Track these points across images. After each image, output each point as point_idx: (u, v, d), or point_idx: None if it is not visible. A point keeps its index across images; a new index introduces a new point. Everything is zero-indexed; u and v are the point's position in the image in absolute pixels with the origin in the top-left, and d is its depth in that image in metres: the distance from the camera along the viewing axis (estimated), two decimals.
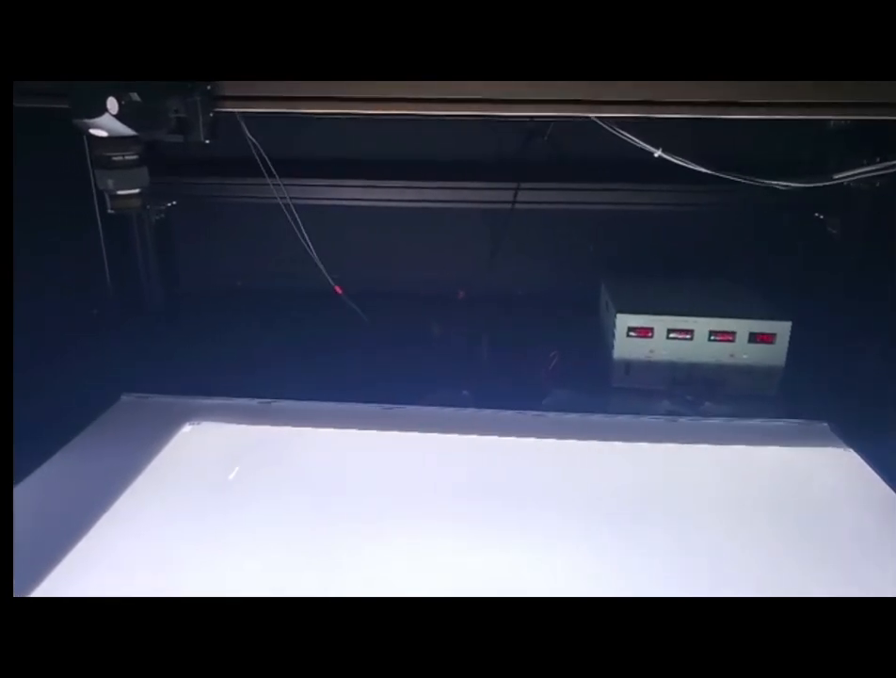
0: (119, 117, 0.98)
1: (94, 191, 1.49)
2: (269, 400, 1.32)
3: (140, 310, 1.71)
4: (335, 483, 1.10)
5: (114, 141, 1.07)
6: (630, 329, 1.36)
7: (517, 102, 1.06)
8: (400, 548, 0.96)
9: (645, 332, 1.36)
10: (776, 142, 1.42)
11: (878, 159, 1.24)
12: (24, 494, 1.03)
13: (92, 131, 1.03)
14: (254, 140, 1.36)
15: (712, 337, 1.34)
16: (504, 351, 1.52)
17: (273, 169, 1.42)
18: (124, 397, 1.33)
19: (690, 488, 1.10)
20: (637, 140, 1.20)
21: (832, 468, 1.16)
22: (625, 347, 1.37)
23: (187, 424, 1.23)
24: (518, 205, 1.61)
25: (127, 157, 1.10)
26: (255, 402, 1.31)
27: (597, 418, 1.30)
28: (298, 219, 1.49)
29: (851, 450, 1.18)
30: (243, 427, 1.24)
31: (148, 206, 1.22)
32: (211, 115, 1.08)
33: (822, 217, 1.54)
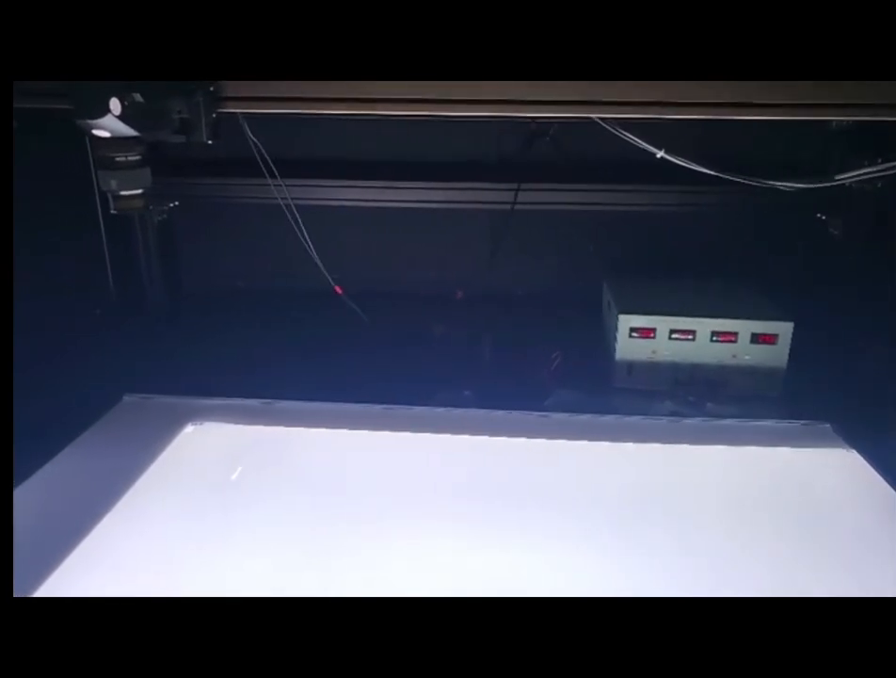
0: (121, 117, 0.98)
1: (97, 192, 1.49)
2: (271, 400, 1.32)
3: (143, 310, 1.71)
4: (337, 483, 1.10)
5: (117, 142, 1.07)
6: (632, 329, 1.36)
7: (518, 102, 1.06)
8: (402, 548, 0.96)
9: (647, 333, 1.36)
10: (777, 143, 1.42)
11: (879, 160, 1.24)
12: (26, 495, 1.03)
13: (95, 131, 1.03)
14: (256, 141, 1.36)
15: (715, 338, 1.34)
16: (506, 352, 1.52)
17: (274, 170, 1.42)
18: (127, 398, 1.33)
19: (692, 488, 1.10)
20: (640, 141, 1.19)
21: (834, 469, 1.16)
22: (627, 347, 1.37)
23: (190, 424, 1.23)
24: (520, 206, 1.61)
25: (130, 158, 1.10)
26: (257, 402, 1.31)
27: (599, 419, 1.30)
28: (299, 220, 1.49)
29: (853, 451, 1.18)
30: (245, 427, 1.24)
31: (150, 207, 1.22)
32: (214, 116, 1.08)
33: (823, 217, 1.54)
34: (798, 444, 1.21)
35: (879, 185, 1.32)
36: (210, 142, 1.10)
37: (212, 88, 1.06)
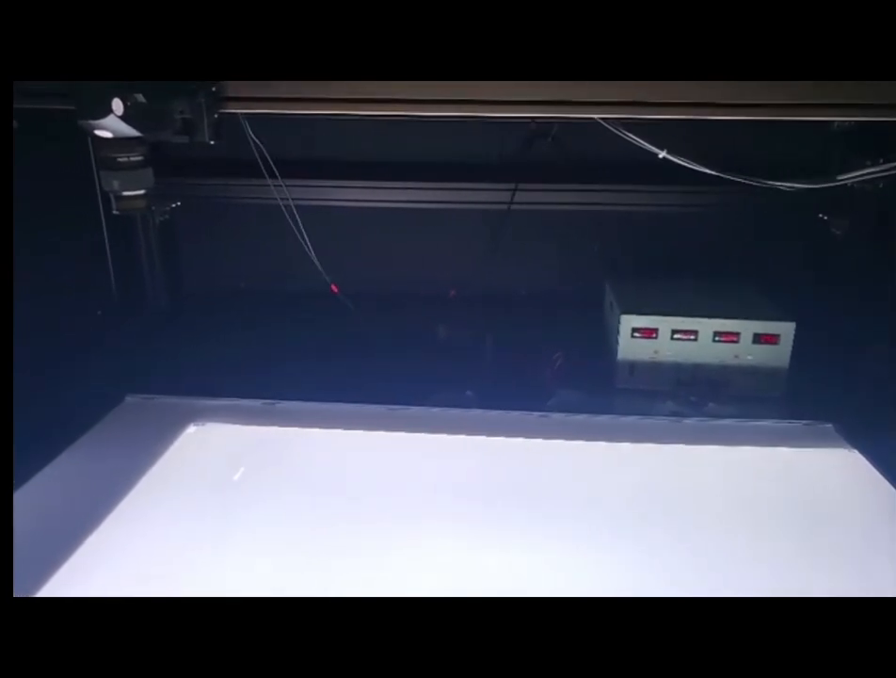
0: (124, 118, 0.98)
1: (99, 192, 1.49)
2: (273, 401, 1.32)
3: (144, 310, 1.71)
4: (339, 484, 1.10)
5: (119, 142, 1.07)
6: (634, 329, 1.36)
7: (519, 103, 1.06)
8: (402, 548, 0.96)
9: (649, 333, 1.36)
10: (779, 143, 1.42)
11: (881, 160, 1.24)
12: (28, 495, 1.04)
13: (97, 132, 1.03)
14: (257, 141, 1.36)
15: (717, 338, 1.35)
16: (508, 352, 1.52)
17: (275, 170, 1.42)
18: (129, 398, 1.33)
19: (694, 488, 1.10)
20: (642, 141, 1.20)
21: (836, 469, 1.16)
22: (629, 347, 1.37)
23: (192, 425, 1.23)
24: (522, 206, 1.61)
25: (132, 158, 1.10)
26: (259, 403, 1.31)
27: (601, 419, 1.30)
28: (298, 219, 1.49)
29: (855, 451, 1.18)
30: (247, 427, 1.24)
31: (152, 207, 1.22)
32: (216, 116, 1.08)
33: (825, 217, 1.53)
34: (800, 445, 1.21)
35: (881, 186, 1.32)
36: (212, 143, 1.10)
37: (214, 89, 1.06)
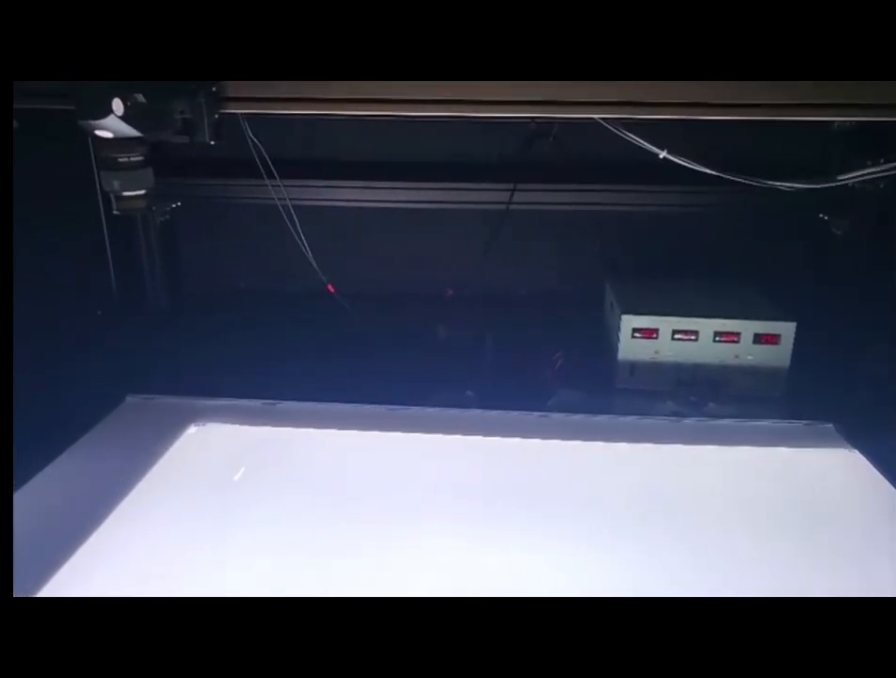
0: (124, 118, 0.98)
1: (99, 192, 1.49)
2: (274, 401, 1.32)
3: (145, 310, 1.71)
4: (339, 484, 1.10)
5: (119, 143, 1.07)
6: (634, 330, 1.36)
7: (519, 103, 1.06)
8: (403, 548, 0.96)
9: (650, 333, 1.36)
10: (779, 143, 1.42)
11: (882, 160, 1.24)
12: (29, 496, 1.03)
13: (97, 132, 1.03)
14: (256, 141, 1.36)
15: (717, 338, 1.35)
16: (509, 352, 1.51)
17: (273, 170, 1.42)
18: (129, 398, 1.33)
19: (694, 488, 1.10)
20: (642, 141, 1.20)
21: (837, 469, 1.16)
22: (630, 347, 1.37)
23: (192, 425, 1.23)
24: (522, 206, 1.61)
25: (132, 158, 1.10)
26: (260, 403, 1.31)
27: (601, 419, 1.30)
28: (296, 219, 1.49)
29: (856, 451, 1.18)
30: (248, 428, 1.24)
31: (153, 207, 1.22)
32: (216, 116, 1.08)
33: (826, 217, 1.53)
34: (801, 445, 1.21)
35: (881, 186, 1.32)
36: (212, 143, 1.10)
37: (214, 89, 1.06)
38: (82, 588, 0.87)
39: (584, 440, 1.20)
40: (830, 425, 1.26)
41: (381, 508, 1.05)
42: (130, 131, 1.02)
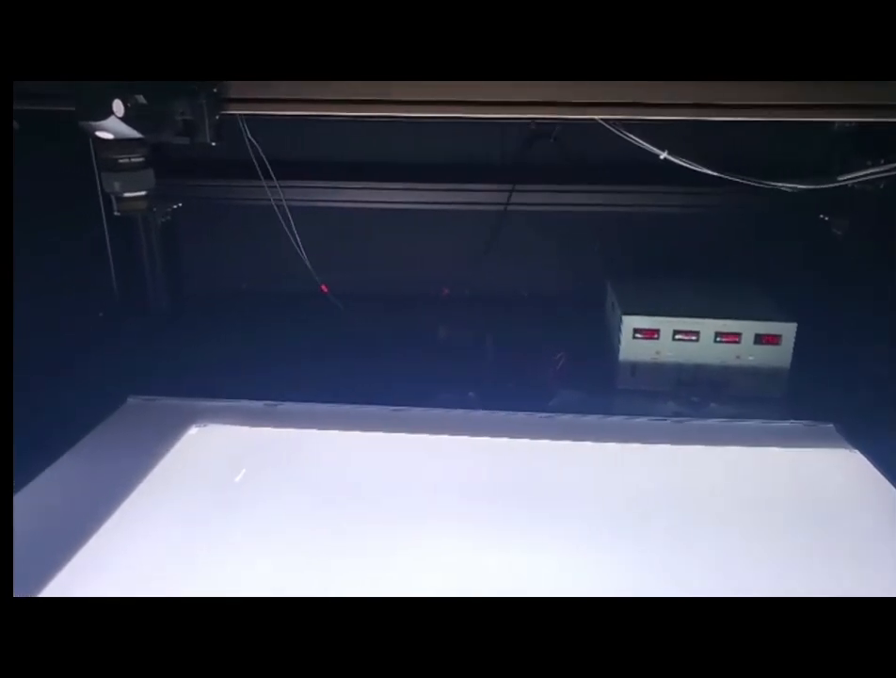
0: (124, 119, 0.98)
1: (100, 193, 1.49)
2: (275, 402, 1.32)
3: (146, 312, 1.71)
4: (341, 484, 1.10)
5: (120, 144, 1.08)
6: (636, 330, 1.36)
7: (520, 104, 1.06)
8: (406, 549, 0.96)
9: (651, 334, 1.36)
10: (780, 144, 1.42)
11: (882, 161, 1.24)
12: (30, 497, 1.04)
13: (98, 133, 1.03)
14: (255, 142, 1.36)
15: (718, 339, 1.35)
16: (510, 353, 1.51)
17: (271, 171, 1.43)
18: (131, 400, 1.33)
19: (695, 489, 1.10)
20: (643, 142, 1.20)
21: (838, 469, 1.16)
22: (631, 348, 1.37)
23: (194, 426, 1.23)
24: (523, 207, 1.61)
25: (133, 160, 1.10)
26: (261, 404, 1.32)
27: (602, 419, 1.30)
28: (291, 220, 1.49)
29: (857, 451, 1.18)
30: (249, 429, 1.24)
31: (154, 208, 1.22)
32: (217, 117, 1.08)
33: (826, 218, 1.53)
34: (801, 445, 1.21)
35: (882, 186, 1.32)
36: (213, 144, 1.10)
37: (215, 90, 1.07)
38: (83, 588, 0.87)
39: (585, 440, 1.20)
40: (831, 425, 1.26)
41: (382, 508, 1.05)
42: (131, 132, 1.03)
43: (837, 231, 1.52)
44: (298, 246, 1.49)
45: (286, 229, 1.49)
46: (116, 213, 1.16)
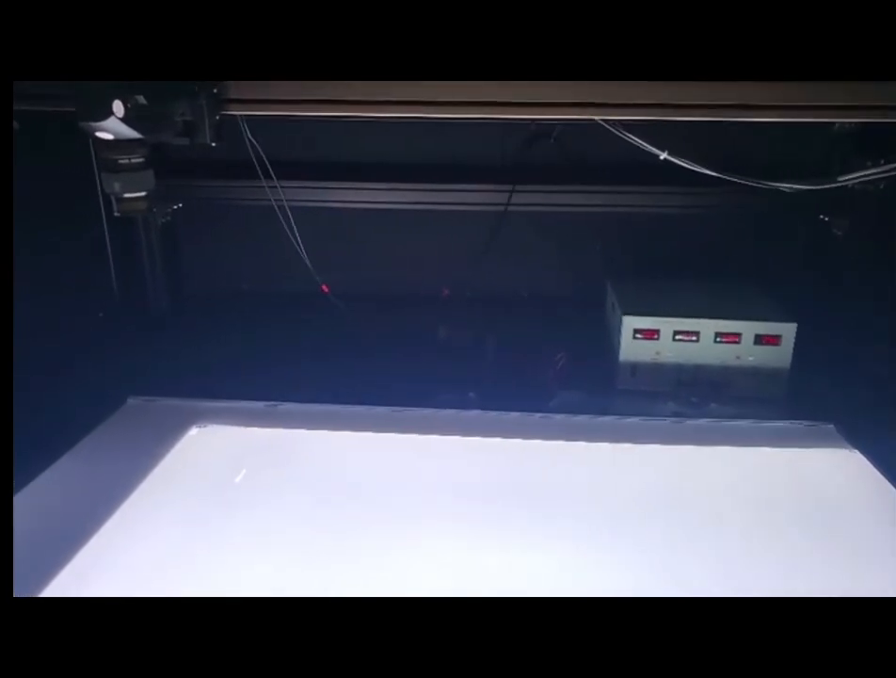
0: (124, 120, 0.98)
1: (100, 194, 1.49)
2: (276, 403, 1.32)
3: (146, 313, 1.71)
4: (341, 485, 1.10)
5: (120, 144, 1.08)
6: (636, 331, 1.36)
7: (520, 105, 1.06)
8: (405, 549, 0.96)
9: (651, 334, 1.36)
10: (780, 144, 1.42)
11: (882, 161, 1.24)
12: (30, 498, 1.04)
13: (98, 134, 1.03)
14: (254, 142, 1.36)
15: (718, 339, 1.35)
16: (510, 353, 1.51)
17: (271, 171, 1.43)
18: (131, 400, 1.33)
19: (695, 489, 1.10)
20: (643, 143, 1.20)
21: (838, 469, 1.15)
22: (631, 348, 1.37)
23: (194, 427, 1.23)
24: (523, 207, 1.61)
25: (133, 160, 1.10)
26: (261, 405, 1.32)
27: (602, 420, 1.30)
28: (292, 220, 1.49)
29: (857, 451, 1.18)
30: (249, 429, 1.24)
31: (154, 209, 1.22)
32: (217, 118, 1.08)
33: (826, 218, 1.53)
34: (802, 445, 1.21)
35: (882, 187, 1.32)
36: (213, 144, 1.10)
37: (215, 91, 1.07)
38: (84, 588, 0.87)
39: (585, 440, 1.20)
40: (831, 425, 1.26)
41: (382, 508, 1.05)
42: (131, 133, 1.03)
43: (837, 231, 1.52)
44: (299, 246, 1.50)
45: (286, 229, 1.49)
46: (116, 213, 1.16)
